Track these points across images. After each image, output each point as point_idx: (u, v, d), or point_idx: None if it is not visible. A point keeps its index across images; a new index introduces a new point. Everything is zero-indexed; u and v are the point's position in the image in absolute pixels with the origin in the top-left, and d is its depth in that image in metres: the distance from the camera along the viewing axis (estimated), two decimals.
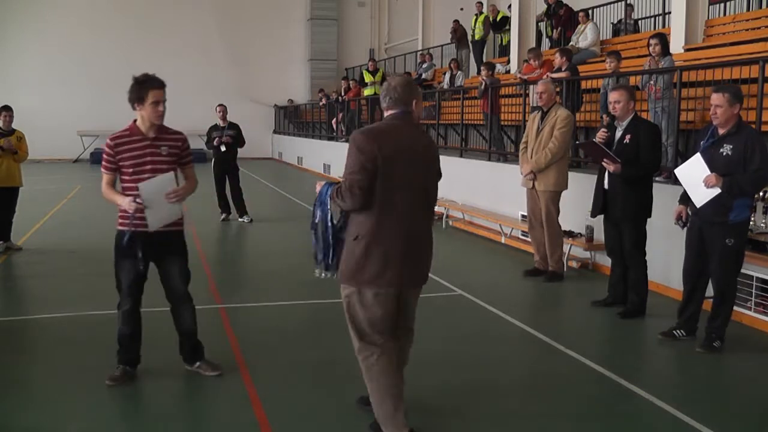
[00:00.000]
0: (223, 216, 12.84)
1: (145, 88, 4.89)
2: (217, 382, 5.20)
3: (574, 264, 9.00)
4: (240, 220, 12.69)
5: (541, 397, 5.05)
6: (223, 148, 12.52)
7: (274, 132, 31.49)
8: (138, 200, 4.83)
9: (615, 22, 16.58)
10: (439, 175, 4.27)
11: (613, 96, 6.82)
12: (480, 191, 12.20)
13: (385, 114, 4.15)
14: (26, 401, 4.88)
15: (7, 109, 9.97)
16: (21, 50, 27.59)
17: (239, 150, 12.94)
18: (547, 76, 11.22)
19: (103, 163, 5.05)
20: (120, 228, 5.05)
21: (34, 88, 26.87)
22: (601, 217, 7.12)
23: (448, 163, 13.63)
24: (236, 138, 12.66)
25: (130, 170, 4.93)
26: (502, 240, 10.63)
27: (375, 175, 3.89)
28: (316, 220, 4.17)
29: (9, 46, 27.62)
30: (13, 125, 10.00)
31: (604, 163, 6.74)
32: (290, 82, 31.18)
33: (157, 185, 4.87)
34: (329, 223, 4.13)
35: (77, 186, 18.90)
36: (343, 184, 3.94)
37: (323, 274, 4.21)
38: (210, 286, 8.12)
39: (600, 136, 6.89)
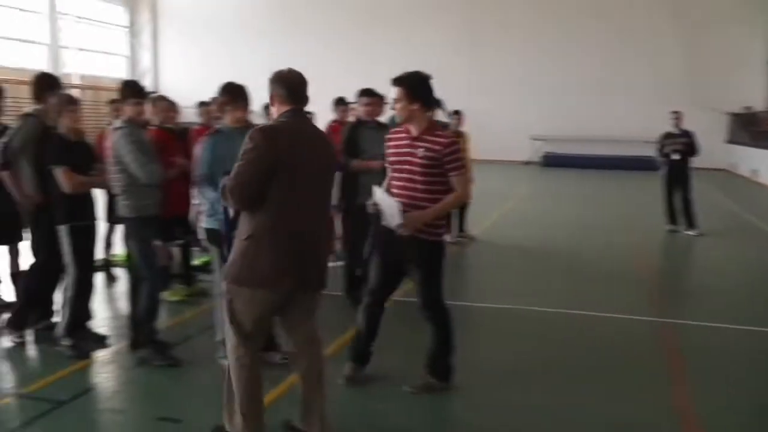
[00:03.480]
0: (670, 227, 12.42)
1: None
2: (640, 391, 5.14)
3: None
4: (686, 232, 12.16)
5: None
6: (676, 156, 12.12)
7: (727, 141, 29.48)
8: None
9: None
10: None
11: None
12: None
13: None
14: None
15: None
16: (491, 51, 29.29)
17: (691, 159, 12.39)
18: None
19: None
20: None
21: (490, 90, 28.63)
22: None
23: None
24: (689, 146, 12.17)
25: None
26: None
27: None
28: None
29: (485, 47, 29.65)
30: (465, 127, 10.81)
31: None
32: (745, 87, 28.70)
33: (387, 202, 4.73)
34: None
35: (525, 187, 19.93)
36: None
37: None
38: (649, 297, 7.99)
39: None
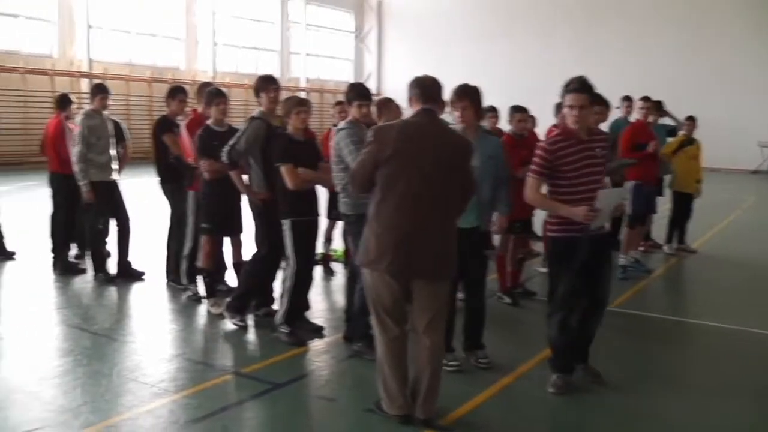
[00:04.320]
0: None
1: None
2: None
3: None
4: None
5: None
6: None
7: None
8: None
9: None
10: None
11: None
12: None
13: None
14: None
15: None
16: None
17: None
18: None
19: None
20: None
21: (715, 94, 26.54)
22: None
23: None
24: None
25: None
26: None
27: None
28: None
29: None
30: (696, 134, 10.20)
31: None
32: None
33: (615, 193, 5.12)
34: None
35: (752, 197, 18.56)
36: None
37: None
38: None
39: None
